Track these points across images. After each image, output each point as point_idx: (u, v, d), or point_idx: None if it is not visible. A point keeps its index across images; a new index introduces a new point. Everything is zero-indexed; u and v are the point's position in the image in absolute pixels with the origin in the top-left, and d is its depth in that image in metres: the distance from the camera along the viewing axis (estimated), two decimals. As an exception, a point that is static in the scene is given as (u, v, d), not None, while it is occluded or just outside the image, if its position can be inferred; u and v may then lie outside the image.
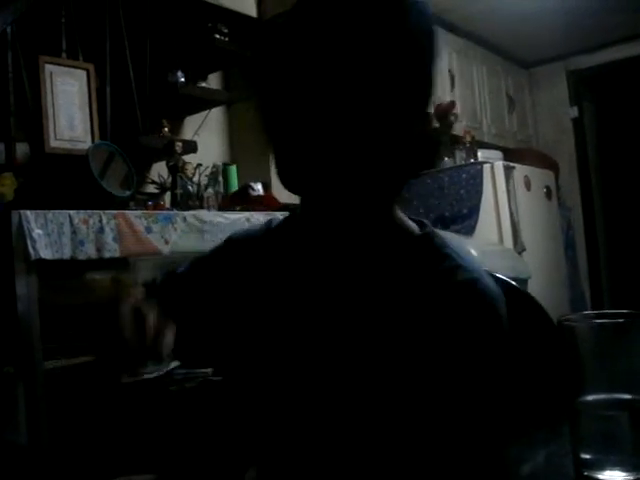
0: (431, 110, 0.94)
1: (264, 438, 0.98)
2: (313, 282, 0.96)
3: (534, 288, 3.66)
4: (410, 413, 0.83)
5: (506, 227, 4.29)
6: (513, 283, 1.37)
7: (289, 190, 0.89)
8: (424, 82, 0.90)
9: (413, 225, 0.97)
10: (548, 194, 5.02)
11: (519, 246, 4.33)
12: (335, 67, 0.82)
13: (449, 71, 4.85)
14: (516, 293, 1.38)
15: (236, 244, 1.14)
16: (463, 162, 4.62)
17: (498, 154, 4.94)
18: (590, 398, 0.82)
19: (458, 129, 4.73)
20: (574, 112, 5.97)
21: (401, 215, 0.97)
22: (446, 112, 4.61)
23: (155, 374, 2.39)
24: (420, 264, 0.91)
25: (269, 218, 1.12)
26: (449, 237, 0.97)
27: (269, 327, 0.98)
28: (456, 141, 4.72)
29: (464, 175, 4.38)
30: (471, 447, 0.84)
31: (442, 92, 4.71)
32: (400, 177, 0.92)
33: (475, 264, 0.91)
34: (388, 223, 0.95)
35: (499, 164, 4.39)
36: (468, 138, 4.73)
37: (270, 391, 0.96)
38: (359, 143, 0.84)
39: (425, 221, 0.99)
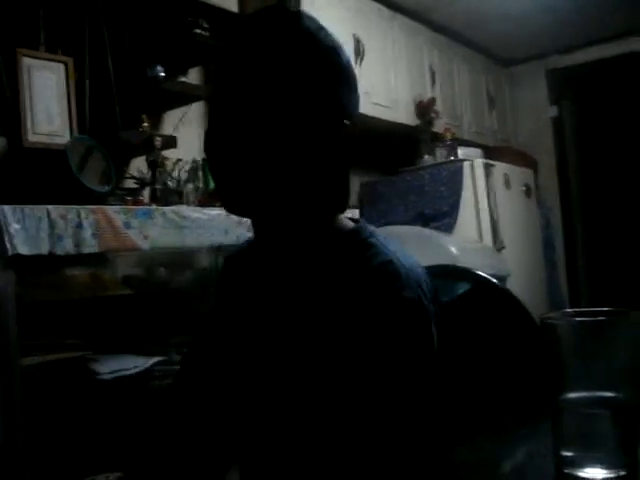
0: (348, 122, 1.01)
1: (238, 426, 1.06)
2: (267, 288, 1.08)
3: (513, 286, 3.68)
4: (338, 390, 0.90)
5: (485, 225, 4.32)
6: (494, 280, 1.38)
7: (232, 213, 1.03)
8: (329, 98, 0.98)
9: (348, 224, 1.07)
10: (527, 192, 5.06)
11: (498, 244, 4.36)
12: (249, 94, 0.94)
13: (430, 68, 4.86)
14: (496, 290, 1.38)
15: (226, 260, 1.25)
16: (443, 159, 4.64)
17: (478, 152, 4.96)
18: (571, 396, 0.82)
19: (438, 126, 4.75)
20: (553, 111, 6.01)
21: (340, 220, 1.07)
22: (427, 109, 4.63)
23: (134, 370, 2.38)
24: (346, 254, 1.00)
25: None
26: (381, 233, 1.05)
27: (236, 328, 1.10)
28: (436, 138, 4.73)
29: (444, 172, 4.40)
30: (384, 420, 0.89)
31: (423, 89, 4.73)
32: (327, 186, 1.02)
33: (396, 252, 0.99)
34: (323, 226, 1.04)
35: (479, 162, 4.41)
36: (448, 135, 4.75)
37: (238, 376, 1.06)
38: (278, 161, 0.95)
39: (361, 219, 1.10)
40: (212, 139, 0.99)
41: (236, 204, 1.00)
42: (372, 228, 1.06)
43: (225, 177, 0.99)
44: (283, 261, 1.05)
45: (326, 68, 0.97)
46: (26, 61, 2.60)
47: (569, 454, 0.82)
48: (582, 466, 0.80)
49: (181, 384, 1.18)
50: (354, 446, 0.88)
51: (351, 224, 1.07)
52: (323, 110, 0.97)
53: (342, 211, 1.06)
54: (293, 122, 0.94)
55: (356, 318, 0.92)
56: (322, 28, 1.00)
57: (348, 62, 1.02)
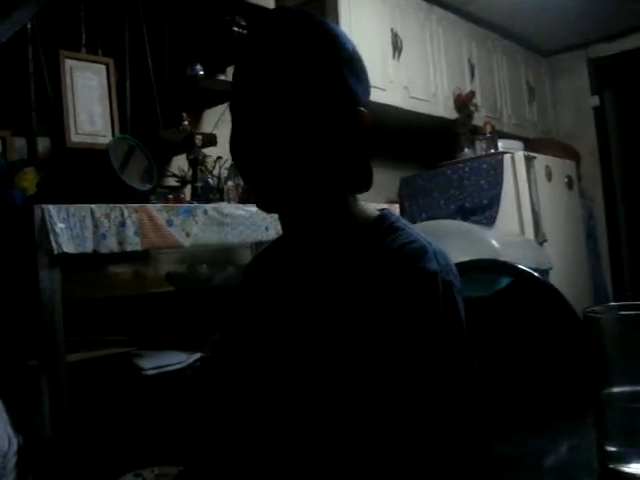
0: (363, 111, 1.03)
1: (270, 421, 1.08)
2: (294, 281, 1.10)
3: (555, 279, 3.65)
4: (368, 374, 0.91)
5: (527, 218, 4.27)
6: (536, 274, 1.37)
7: (266, 211, 1.07)
8: (339, 85, 1.01)
9: (373, 212, 1.09)
10: (569, 184, 4.99)
11: (540, 237, 4.31)
12: (261, 89, 0.98)
13: (469, 61, 4.83)
14: (539, 284, 1.37)
15: (255, 258, 1.30)
16: (483, 153, 4.61)
17: (518, 144, 4.91)
18: (615, 390, 0.81)
19: (478, 119, 4.71)
20: (595, 101, 5.92)
21: (362, 208, 1.08)
22: (466, 102, 4.60)
23: (177, 366, 2.41)
24: (372, 240, 1.02)
25: None
26: (429, 224, 1.06)
27: (265, 322, 1.12)
28: (476, 131, 4.70)
29: (484, 166, 4.36)
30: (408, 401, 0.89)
31: (462, 82, 4.69)
32: (347, 172, 1.04)
33: (421, 235, 1.00)
34: (345, 218, 1.06)
35: (520, 154, 4.36)
36: (488, 128, 4.71)
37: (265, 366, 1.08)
38: (295, 151, 0.97)
39: (386, 208, 1.11)
40: (234, 137, 1.02)
41: (262, 198, 1.02)
42: (398, 216, 1.08)
43: (249, 172, 1.02)
44: (309, 252, 1.07)
45: (330, 56, 1.00)
46: (68, 62, 2.64)
47: (613, 449, 0.81)
48: (627, 461, 0.79)
49: (211, 379, 1.21)
50: (381, 431, 0.88)
51: (376, 212, 1.08)
52: (334, 97, 0.99)
53: (362, 192, 1.08)
54: (307, 111, 0.97)
55: (383, 296, 0.93)
56: (324, 22, 1.04)
57: (354, 49, 1.05)
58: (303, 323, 1.03)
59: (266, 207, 1.04)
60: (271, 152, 0.97)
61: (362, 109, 1.02)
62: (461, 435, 0.93)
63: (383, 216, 1.06)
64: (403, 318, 0.91)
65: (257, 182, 1.01)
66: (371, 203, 1.14)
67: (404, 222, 1.05)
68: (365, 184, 1.08)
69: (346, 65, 1.02)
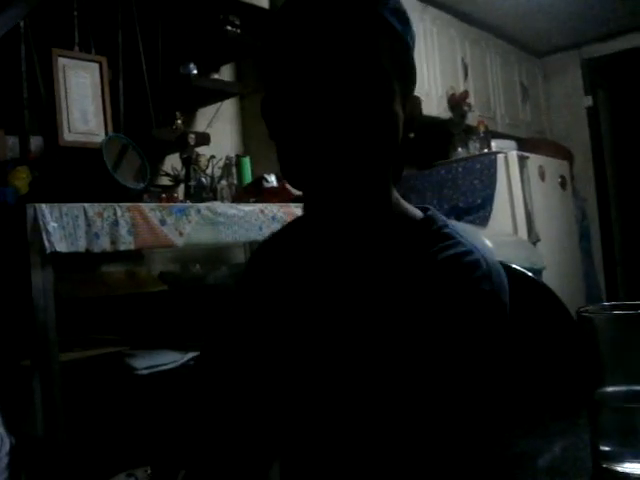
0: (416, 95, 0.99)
1: (284, 421, 1.00)
2: (325, 271, 1.00)
3: (549, 279, 3.65)
4: (403, 384, 0.85)
5: (520, 217, 4.28)
6: (529, 274, 1.37)
7: (294, 187, 0.95)
8: (408, 69, 0.95)
9: (417, 211, 1.02)
10: (563, 184, 5.00)
11: (533, 236, 4.32)
12: (327, 62, 0.86)
13: (462, 60, 4.83)
14: (532, 284, 1.37)
15: (263, 245, 1.18)
16: (477, 152, 4.61)
17: (512, 144, 4.91)
18: (609, 390, 0.81)
19: (472, 119, 4.71)
20: (588, 101, 5.93)
21: (404, 204, 1.02)
22: (459, 102, 4.60)
23: (170, 365, 2.40)
24: (421, 245, 0.94)
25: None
26: (453, 222, 1.00)
27: (286, 319, 1.01)
28: (470, 131, 4.70)
29: (478, 165, 4.36)
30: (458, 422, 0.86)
31: (455, 82, 4.70)
32: (396, 165, 0.98)
33: (472, 241, 0.94)
34: (391, 212, 0.98)
35: (513, 154, 4.37)
36: (482, 128, 4.71)
37: (289, 371, 0.99)
38: (360, 134, 0.86)
39: (429, 207, 1.03)
40: (282, 97, 0.92)
41: (305, 173, 0.91)
42: (444, 217, 1.01)
43: (296, 143, 0.90)
44: (342, 241, 0.97)
45: (405, 33, 0.94)
46: (61, 61, 2.64)
47: (607, 448, 0.81)
48: (621, 461, 0.79)
49: (212, 373, 1.11)
50: (416, 440, 0.85)
51: (419, 212, 1.01)
52: (403, 78, 0.93)
53: (396, 181, 1.03)
54: (377, 88, 0.87)
55: (426, 308, 0.88)
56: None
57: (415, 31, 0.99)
58: (329, 318, 0.96)
59: (300, 180, 0.93)
60: (336, 127, 0.86)
61: (418, 96, 0.98)
62: (482, 443, 0.91)
63: (431, 217, 1.00)
64: (448, 335, 0.86)
65: (299, 149, 0.89)
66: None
67: (452, 226, 0.99)
68: (400, 174, 1.04)
69: (414, 46, 0.97)
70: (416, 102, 0.98)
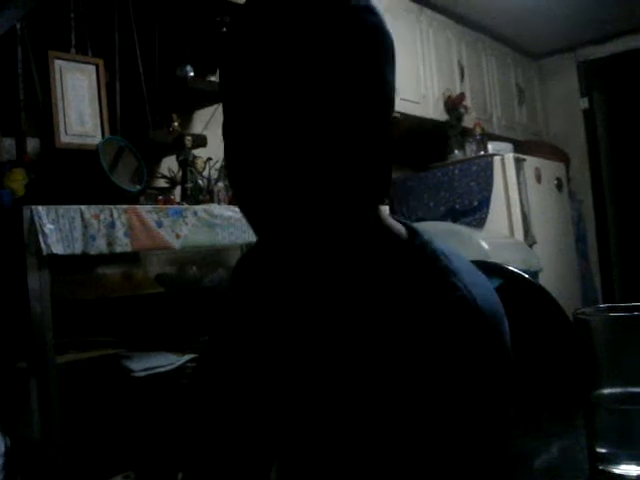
0: (393, 112, 0.89)
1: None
2: (299, 294, 0.96)
3: (545, 281, 3.66)
4: (406, 427, 0.79)
5: (517, 219, 4.29)
6: (526, 276, 1.37)
7: (255, 228, 0.88)
8: (375, 82, 0.82)
9: (401, 228, 0.93)
10: (559, 186, 5.01)
11: (530, 239, 4.32)
12: (282, 75, 0.76)
13: (459, 63, 4.84)
14: (529, 286, 1.37)
15: (239, 262, 1.13)
16: (473, 154, 4.62)
17: (508, 146, 4.92)
18: (605, 392, 0.82)
19: (468, 121, 4.72)
20: (584, 103, 5.95)
21: (387, 219, 0.93)
22: (456, 104, 4.61)
23: (167, 368, 2.40)
24: (411, 273, 0.86)
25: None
26: (438, 241, 0.92)
27: (264, 338, 0.98)
28: (466, 133, 4.71)
29: (474, 167, 4.37)
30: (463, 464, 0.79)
31: (452, 84, 4.70)
32: (376, 181, 0.86)
33: (471, 275, 0.86)
34: (375, 230, 0.90)
35: (509, 156, 4.38)
36: (478, 130, 4.73)
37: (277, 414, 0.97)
38: (322, 151, 0.77)
39: (410, 224, 0.95)
40: (231, 130, 0.82)
41: (261, 204, 0.82)
42: (427, 234, 0.92)
43: (252, 179, 0.80)
44: (317, 264, 0.87)
45: (372, 47, 0.81)
46: (58, 63, 2.63)
47: (603, 450, 0.81)
48: (617, 463, 0.79)
49: (208, 382, 1.09)
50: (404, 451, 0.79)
51: (402, 228, 0.93)
52: (369, 94, 0.81)
53: (382, 202, 0.92)
54: (336, 106, 0.77)
55: (429, 351, 0.79)
56: (370, 6, 0.82)
57: (393, 42, 0.86)
58: (318, 335, 0.90)
59: (260, 213, 0.84)
60: (296, 159, 0.76)
61: (396, 115, 0.89)
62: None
63: (420, 241, 0.90)
64: (446, 382, 0.78)
65: (258, 179, 0.79)
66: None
67: (443, 252, 0.88)
68: (385, 192, 0.89)
69: (387, 61, 0.85)
70: (395, 121, 0.90)
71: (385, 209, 0.96)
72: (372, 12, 0.82)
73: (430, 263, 0.86)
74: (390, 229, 0.91)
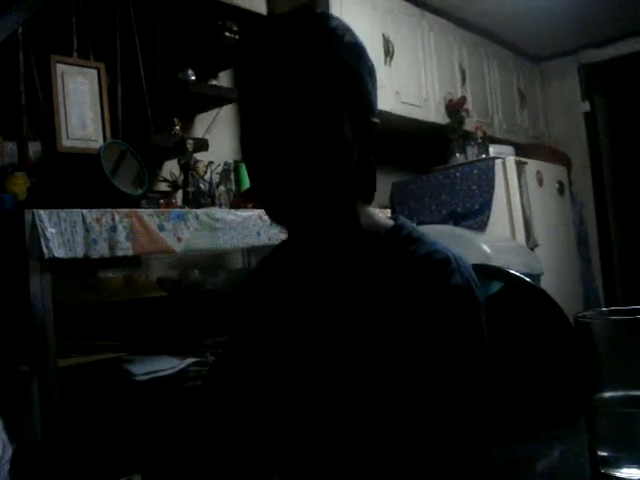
0: (374, 119, 1.03)
1: (276, 436, 1.04)
2: (305, 288, 1.07)
3: (547, 284, 3.66)
4: (396, 393, 0.89)
5: (518, 223, 4.28)
6: (527, 279, 1.37)
7: (277, 223, 1.02)
8: (362, 97, 1.00)
9: (388, 221, 1.07)
10: (560, 189, 5.01)
11: (531, 242, 4.32)
12: (278, 96, 0.94)
13: (460, 66, 4.84)
14: (530, 289, 1.37)
15: (261, 261, 1.25)
16: (475, 158, 4.62)
17: (510, 149, 4.92)
18: (607, 395, 0.82)
19: (469, 125, 4.72)
20: (586, 106, 5.94)
21: (375, 216, 1.07)
22: (457, 107, 4.60)
23: (169, 371, 2.40)
24: (391, 251, 1.00)
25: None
26: (422, 229, 1.06)
27: (273, 333, 1.08)
28: (467, 137, 4.71)
29: (476, 171, 4.37)
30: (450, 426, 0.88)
31: (453, 88, 4.70)
32: (358, 181, 1.02)
33: (440, 243, 0.99)
34: (359, 226, 1.04)
35: (511, 159, 4.37)
36: (479, 133, 4.72)
37: (277, 388, 1.04)
38: (310, 161, 0.94)
39: (399, 216, 1.09)
40: (246, 144, 0.99)
41: (275, 208, 0.99)
42: (413, 225, 1.06)
43: (263, 182, 0.98)
44: (321, 260, 1.05)
45: (355, 64, 0.98)
46: (59, 67, 2.64)
47: (605, 454, 0.81)
48: (618, 466, 0.79)
49: (215, 388, 1.16)
50: (406, 446, 0.87)
51: (390, 221, 1.07)
52: (352, 103, 0.97)
53: (369, 201, 1.07)
54: (324, 120, 0.93)
55: (406, 309, 0.91)
56: (348, 29, 1.01)
57: (372, 62, 1.04)
58: (319, 330, 1.01)
59: (280, 217, 1.01)
60: (289, 161, 0.93)
61: (376, 120, 1.02)
62: (482, 445, 0.92)
63: (400, 225, 1.05)
64: (431, 335, 0.89)
65: (269, 189, 0.97)
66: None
67: (421, 231, 1.04)
68: (372, 193, 1.07)
69: (368, 75, 1.01)
70: (376, 127, 1.01)
71: (385, 212, 1.04)
72: (351, 35, 1.00)
73: (406, 237, 1.01)
74: (377, 221, 1.06)
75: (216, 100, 3.33)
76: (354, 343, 0.95)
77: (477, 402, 0.89)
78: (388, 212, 3.65)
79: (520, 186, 4.31)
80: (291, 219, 1.00)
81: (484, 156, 4.60)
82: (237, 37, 3.24)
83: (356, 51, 1.00)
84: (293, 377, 1.02)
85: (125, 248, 2.23)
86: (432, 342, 0.89)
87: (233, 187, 3.23)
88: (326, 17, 1.00)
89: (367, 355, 0.93)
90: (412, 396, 0.88)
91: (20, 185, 2.35)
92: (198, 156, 3.08)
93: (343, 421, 0.93)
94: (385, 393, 0.89)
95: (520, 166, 4.38)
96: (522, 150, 5.10)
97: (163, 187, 3.03)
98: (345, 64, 0.96)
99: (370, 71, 1.02)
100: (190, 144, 2.98)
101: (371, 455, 0.89)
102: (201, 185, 2.98)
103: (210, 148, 3.20)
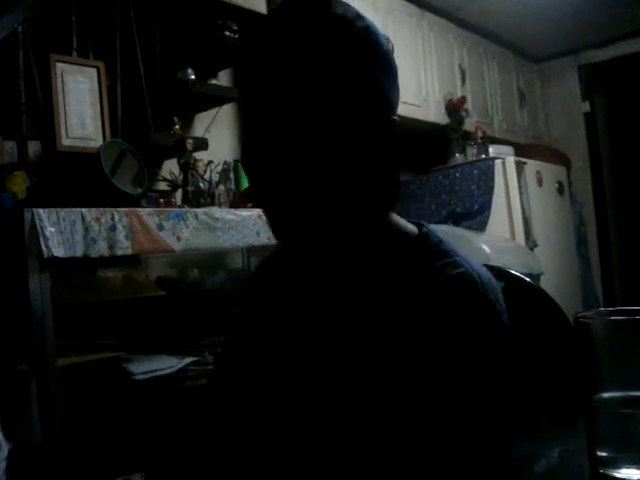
0: (396, 117, 0.97)
1: (277, 443, 1.01)
2: (318, 292, 1.02)
3: (546, 284, 3.65)
4: (404, 407, 0.85)
5: (518, 223, 4.28)
6: (527, 279, 1.37)
7: (285, 244, 0.95)
8: (370, 87, 0.90)
9: (412, 227, 1.01)
10: (560, 189, 5.01)
11: (531, 242, 4.32)
12: (284, 92, 0.86)
13: (460, 66, 4.84)
14: (530, 289, 1.37)
15: (264, 261, 1.19)
16: (474, 158, 4.62)
17: (509, 150, 4.92)
18: (606, 395, 0.81)
19: (469, 125, 4.72)
20: (586, 107, 5.95)
21: (399, 221, 1.01)
22: (457, 107, 4.60)
23: (168, 370, 2.40)
24: (416, 263, 0.94)
25: None
26: (446, 237, 1.00)
27: (276, 335, 1.04)
28: (467, 137, 4.71)
29: (475, 171, 4.37)
30: (463, 442, 0.85)
31: (453, 88, 4.70)
32: (379, 185, 0.93)
33: (468, 259, 0.94)
34: (385, 231, 0.97)
35: (510, 160, 4.37)
36: (479, 134, 4.72)
37: (277, 391, 1.01)
38: (323, 164, 0.85)
39: (423, 222, 1.03)
40: (249, 146, 0.91)
41: (282, 226, 0.92)
42: (440, 234, 1.01)
43: (268, 195, 0.90)
44: (337, 265, 0.97)
45: (363, 53, 0.88)
46: (59, 66, 2.64)
47: (604, 454, 0.81)
48: (618, 466, 0.79)
49: (217, 389, 1.13)
50: (405, 449, 0.85)
51: (415, 229, 1.01)
52: (366, 101, 0.88)
53: (393, 209, 1.00)
54: (335, 117, 0.85)
55: (430, 327, 0.86)
56: (357, 14, 0.91)
57: (388, 49, 0.94)
58: (324, 335, 0.97)
59: (290, 236, 0.92)
60: (298, 172, 0.85)
61: (395, 117, 0.96)
62: (482, 449, 0.91)
63: (426, 234, 0.99)
64: (454, 356, 0.85)
65: (280, 207, 0.89)
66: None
67: (448, 243, 0.98)
68: (396, 196, 0.98)
69: (381, 66, 0.91)
70: (396, 125, 0.97)
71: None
72: (366, 30, 0.91)
73: (433, 249, 0.95)
74: (402, 228, 1.00)
75: (216, 99, 3.33)
76: (359, 350, 0.91)
77: (485, 415, 0.87)
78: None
79: (520, 186, 4.31)
80: (301, 240, 0.91)
81: (484, 156, 4.60)
82: (237, 36, 3.24)
83: (367, 39, 0.90)
84: (295, 379, 0.99)
85: (124, 247, 2.23)
86: (448, 359, 0.85)
87: (233, 186, 3.23)
88: (332, 3, 0.89)
89: (371, 363, 0.90)
90: (414, 404, 0.85)
91: (19, 184, 2.35)
92: (198, 155, 3.08)
93: (343, 424, 0.91)
94: (386, 398, 0.87)
95: (520, 166, 4.38)
96: (522, 150, 5.10)
97: (162, 186, 3.02)
98: (355, 57, 0.87)
99: (385, 61, 0.93)
100: (190, 143, 2.98)
101: (370, 457, 0.87)
102: (200, 184, 2.97)
103: (210, 147, 3.20)
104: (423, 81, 4.41)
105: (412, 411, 0.85)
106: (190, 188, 2.92)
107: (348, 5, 0.92)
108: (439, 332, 0.86)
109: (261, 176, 0.90)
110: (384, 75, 0.92)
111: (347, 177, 0.87)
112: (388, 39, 4.02)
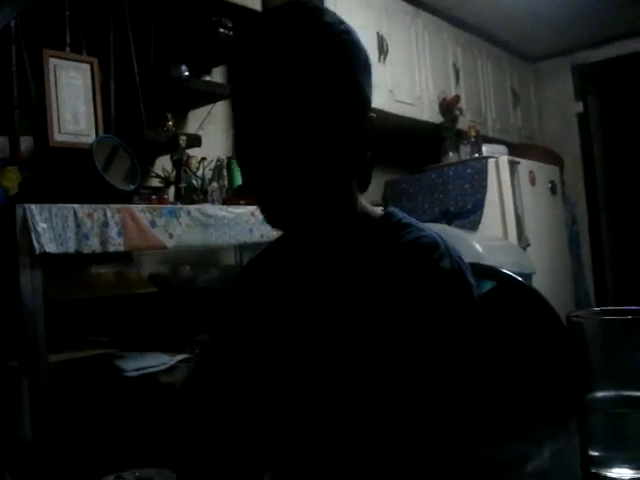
0: (370, 114, 1.03)
1: (268, 428, 1.03)
2: (297, 283, 1.08)
3: (538, 283, 3.66)
4: (380, 376, 0.89)
5: (510, 222, 4.29)
6: (519, 279, 1.37)
7: (274, 226, 1.03)
8: (352, 88, 0.98)
9: (379, 211, 1.09)
10: (553, 189, 5.02)
11: (523, 241, 4.33)
12: (271, 91, 0.94)
13: (454, 65, 4.84)
14: (522, 288, 1.37)
15: (257, 256, 1.24)
16: (468, 157, 4.62)
17: (503, 149, 4.92)
18: (598, 395, 0.81)
19: (463, 124, 4.72)
20: (579, 107, 5.96)
21: (367, 207, 1.08)
22: (451, 106, 4.61)
23: (160, 367, 2.40)
24: (380, 238, 1.01)
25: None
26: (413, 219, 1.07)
27: (264, 328, 1.08)
28: (461, 136, 4.71)
29: (469, 170, 4.37)
30: (441, 421, 0.88)
31: (447, 86, 4.71)
32: (354, 175, 1.03)
33: (429, 229, 1.01)
34: (353, 217, 1.04)
35: (504, 159, 4.38)
36: (473, 133, 4.73)
37: (269, 377, 1.04)
38: (306, 155, 0.93)
39: (389, 206, 1.11)
40: (239, 144, 0.99)
41: (275, 211, 0.99)
42: (404, 213, 1.07)
43: (256, 182, 0.98)
44: (315, 252, 1.05)
45: (348, 58, 0.97)
46: (52, 61, 2.63)
47: (596, 454, 0.81)
48: (609, 466, 0.79)
49: (204, 384, 1.13)
50: (396, 440, 0.87)
51: (380, 211, 1.08)
52: (348, 98, 0.96)
53: (363, 191, 1.08)
54: (318, 114, 0.93)
55: (395, 295, 0.91)
56: (342, 22, 1.00)
57: (367, 55, 1.03)
58: (311, 322, 1.01)
59: (277, 219, 1.00)
60: (285, 160, 0.93)
61: (372, 114, 1.02)
62: (469, 443, 0.92)
63: (390, 213, 1.06)
64: (422, 321, 0.89)
65: (271, 194, 0.97)
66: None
67: (412, 219, 1.05)
68: (366, 185, 1.08)
69: (361, 68, 1.00)
70: (372, 121, 1.02)
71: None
72: (346, 32, 0.99)
73: (396, 224, 1.03)
74: (363, 213, 1.06)
75: (209, 96, 3.33)
76: (344, 334, 0.94)
77: (467, 392, 0.90)
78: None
79: (513, 186, 4.32)
80: (286, 218, 0.99)
81: (477, 155, 4.60)
82: (231, 33, 3.23)
83: (351, 45, 0.99)
84: (283, 371, 1.01)
85: (117, 244, 2.23)
86: (422, 328, 0.89)
87: (226, 183, 3.23)
88: (320, 11, 0.98)
89: (357, 345, 0.92)
90: (402, 383, 0.88)
91: (11, 180, 2.34)
92: (191, 152, 3.08)
93: (332, 416, 0.93)
94: (374, 383, 0.89)
95: (513, 166, 4.38)
96: (515, 150, 5.10)
97: (155, 183, 3.02)
98: (339, 60, 0.95)
99: (365, 64, 1.01)
100: (183, 140, 2.97)
101: (360, 452, 0.89)
102: (193, 181, 2.97)
103: (203, 144, 3.20)
104: (417, 79, 4.41)
105: (391, 384, 0.88)
106: (183, 185, 2.92)
107: (336, 15, 1.01)
108: (406, 296, 0.90)
109: (250, 163, 0.97)
110: (364, 77, 1.00)
111: (325, 163, 0.95)
112: (382, 38, 4.02)
